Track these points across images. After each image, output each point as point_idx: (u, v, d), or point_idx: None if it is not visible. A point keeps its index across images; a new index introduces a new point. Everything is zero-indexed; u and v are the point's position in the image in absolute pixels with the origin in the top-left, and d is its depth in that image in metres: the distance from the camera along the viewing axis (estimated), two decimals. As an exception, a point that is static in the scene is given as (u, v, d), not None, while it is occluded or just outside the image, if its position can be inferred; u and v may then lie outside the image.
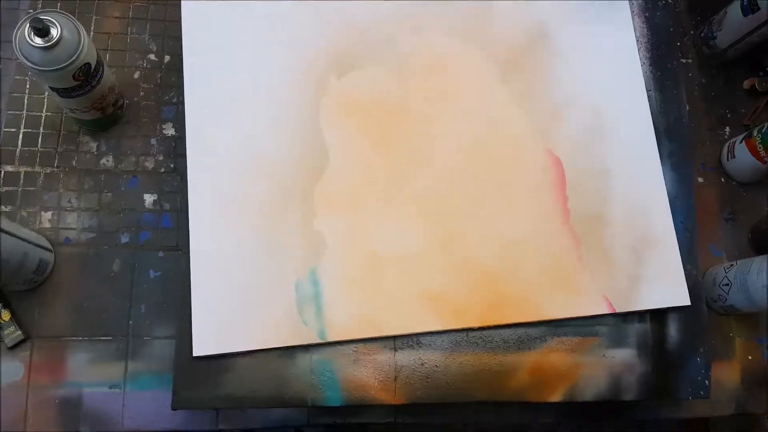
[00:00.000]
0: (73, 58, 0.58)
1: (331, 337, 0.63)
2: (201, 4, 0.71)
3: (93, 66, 0.61)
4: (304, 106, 0.69)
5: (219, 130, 0.68)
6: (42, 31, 0.56)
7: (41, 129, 0.71)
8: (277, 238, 0.65)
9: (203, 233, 0.65)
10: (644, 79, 0.75)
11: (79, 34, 0.58)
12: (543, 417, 0.71)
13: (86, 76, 0.61)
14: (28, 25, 0.56)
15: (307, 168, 0.68)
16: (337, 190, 0.67)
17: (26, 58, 0.57)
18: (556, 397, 0.66)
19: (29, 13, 0.73)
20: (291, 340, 0.63)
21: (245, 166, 0.67)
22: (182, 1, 0.71)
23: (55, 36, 0.57)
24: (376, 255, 0.66)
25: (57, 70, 0.58)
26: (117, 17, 0.75)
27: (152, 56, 0.74)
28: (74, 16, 0.59)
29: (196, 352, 0.61)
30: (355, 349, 0.65)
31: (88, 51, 0.59)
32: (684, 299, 0.68)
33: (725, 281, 0.70)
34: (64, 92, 0.61)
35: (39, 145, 0.71)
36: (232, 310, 0.63)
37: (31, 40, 0.56)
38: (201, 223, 0.65)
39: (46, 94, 0.72)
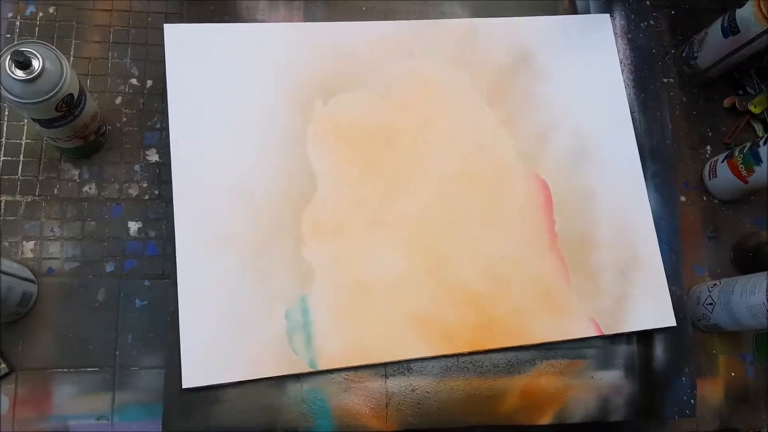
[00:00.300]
0: (56, 90, 0.57)
1: (322, 366, 0.63)
2: (183, 28, 0.70)
3: (76, 96, 0.60)
4: (290, 132, 0.69)
5: (204, 157, 0.67)
6: (23, 63, 0.55)
7: (21, 157, 0.70)
8: (266, 267, 0.65)
9: (190, 263, 0.64)
10: (628, 101, 0.76)
11: (61, 65, 0.57)
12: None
13: (69, 107, 0.60)
14: (8, 57, 0.55)
15: (294, 195, 0.67)
16: (325, 217, 0.67)
17: (7, 91, 0.56)
18: (546, 419, 0.67)
19: (5, 38, 0.72)
20: (281, 369, 0.63)
21: (232, 193, 0.67)
22: (165, 25, 0.70)
23: (36, 68, 0.55)
24: (364, 281, 0.66)
25: (39, 102, 0.57)
26: (97, 41, 0.74)
27: (134, 81, 0.73)
28: (53, 42, 0.58)
29: (186, 383, 0.61)
30: (346, 376, 0.65)
31: (70, 82, 0.58)
32: (670, 320, 0.69)
33: (709, 300, 0.71)
34: (46, 123, 0.60)
35: (19, 173, 0.69)
36: (221, 340, 0.63)
37: (12, 73, 0.55)
38: (188, 253, 0.64)
39: (25, 120, 0.70)
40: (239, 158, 0.68)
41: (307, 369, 0.63)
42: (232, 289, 0.64)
